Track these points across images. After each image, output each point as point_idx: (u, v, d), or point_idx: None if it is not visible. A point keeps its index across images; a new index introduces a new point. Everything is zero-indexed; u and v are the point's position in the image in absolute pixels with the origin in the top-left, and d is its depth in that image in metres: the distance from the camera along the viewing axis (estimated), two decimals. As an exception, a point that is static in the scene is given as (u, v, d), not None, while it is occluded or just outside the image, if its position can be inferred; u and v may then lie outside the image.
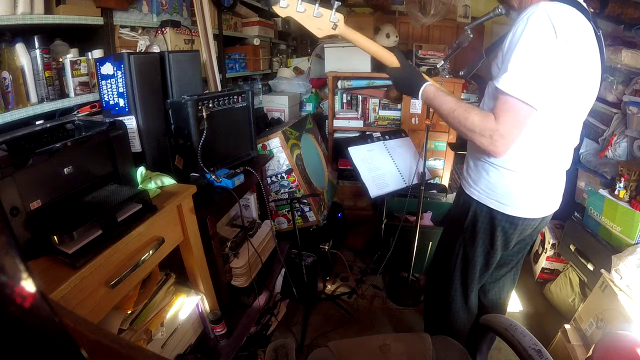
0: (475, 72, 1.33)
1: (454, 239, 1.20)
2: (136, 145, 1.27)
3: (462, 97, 2.41)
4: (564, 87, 0.89)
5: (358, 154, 1.84)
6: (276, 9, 0.90)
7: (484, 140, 0.91)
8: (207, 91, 1.78)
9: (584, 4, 0.90)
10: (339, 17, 0.96)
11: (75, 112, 1.33)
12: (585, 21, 0.87)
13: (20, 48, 1.16)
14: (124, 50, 1.44)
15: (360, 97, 2.69)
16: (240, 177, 1.38)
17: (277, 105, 2.67)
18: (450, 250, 1.22)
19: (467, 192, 1.13)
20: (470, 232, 1.14)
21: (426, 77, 1.07)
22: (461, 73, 1.35)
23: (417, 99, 1.06)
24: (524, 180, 1.02)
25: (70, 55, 1.32)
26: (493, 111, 0.90)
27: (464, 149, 1.20)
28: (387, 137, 2.01)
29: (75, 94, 1.34)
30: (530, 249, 2.24)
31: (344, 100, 2.73)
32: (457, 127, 0.97)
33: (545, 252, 2.10)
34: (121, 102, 1.26)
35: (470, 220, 1.13)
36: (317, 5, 0.93)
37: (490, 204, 1.07)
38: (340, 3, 0.93)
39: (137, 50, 1.55)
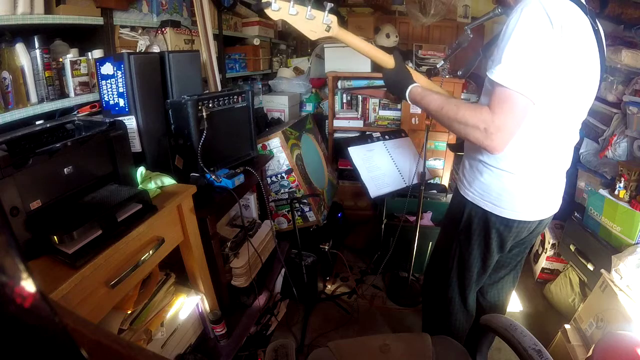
0: (473, 71, 1.33)
1: (450, 241, 1.20)
2: (136, 145, 1.27)
3: (462, 97, 2.41)
4: (562, 79, 0.86)
5: (358, 154, 1.84)
6: (268, 12, 0.88)
7: (478, 135, 0.85)
8: (207, 91, 1.78)
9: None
10: (332, 19, 0.94)
11: (75, 112, 1.33)
12: (581, 14, 0.85)
13: (20, 48, 1.16)
14: (124, 50, 1.44)
15: (360, 97, 2.69)
16: (240, 177, 1.38)
17: (277, 105, 2.67)
18: (447, 251, 1.21)
19: (461, 193, 1.12)
20: (465, 234, 1.13)
21: (420, 78, 1.05)
22: (459, 73, 1.35)
23: (405, 100, 1.04)
24: (520, 181, 0.99)
25: (70, 55, 1.32)
26: (488, 104, 0.86)
27: (463, 150, 1.19)
28: (387, 137, 2.00)
29: (75, 94, 1.34)
30: (530, 249, 2.24)
31: (344, 100, 2.73)
32: (449, 124, 0.93)
33: (545, 252, 2.10)
34: (121, 102, 1.26)
35: (465, 222, 1.12)
36: (309, 7, 0.91)
37: (484, 206, 1.05)
38: (332, 5, 0.92)
39: (137, 50, 1.55)
